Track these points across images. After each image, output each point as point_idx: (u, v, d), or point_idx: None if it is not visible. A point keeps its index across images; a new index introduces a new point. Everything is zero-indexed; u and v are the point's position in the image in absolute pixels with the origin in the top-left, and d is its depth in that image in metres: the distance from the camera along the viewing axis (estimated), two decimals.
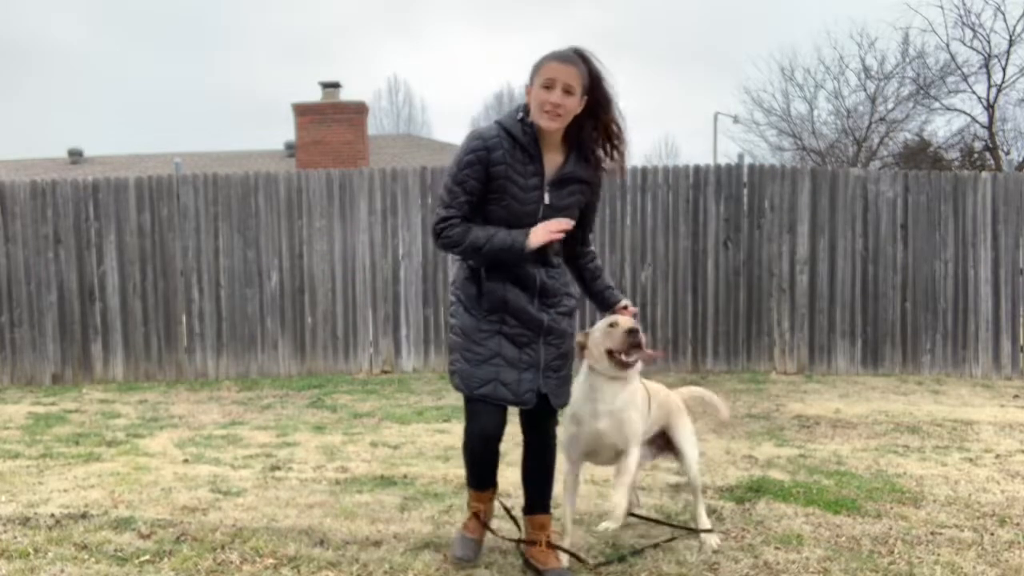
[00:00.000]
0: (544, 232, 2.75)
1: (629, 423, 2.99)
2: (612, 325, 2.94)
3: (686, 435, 3.38)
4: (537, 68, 2.75)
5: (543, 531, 3.01)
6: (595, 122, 2.83)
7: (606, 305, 3.07)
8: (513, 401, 2.83)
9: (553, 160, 2.83)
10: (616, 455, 3.03)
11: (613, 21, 57.25)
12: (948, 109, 22.10)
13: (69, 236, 7.92)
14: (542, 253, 2.84)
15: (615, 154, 2.89)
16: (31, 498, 3.97)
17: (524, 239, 2.74)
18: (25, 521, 3.60)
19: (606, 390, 2.97)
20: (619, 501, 2.91)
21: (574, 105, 2.73)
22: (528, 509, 3.06)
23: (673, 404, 3.40)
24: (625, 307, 3.03)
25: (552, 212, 2.81)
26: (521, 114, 2.80)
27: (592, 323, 3.14)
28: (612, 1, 55.48)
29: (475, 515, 3.06)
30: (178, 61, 55.40)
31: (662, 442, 3.40)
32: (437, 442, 5.18)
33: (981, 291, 8.04)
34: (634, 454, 3.00)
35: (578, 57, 2.76)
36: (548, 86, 2.70)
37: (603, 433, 2.98)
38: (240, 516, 3.66)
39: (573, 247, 3.02)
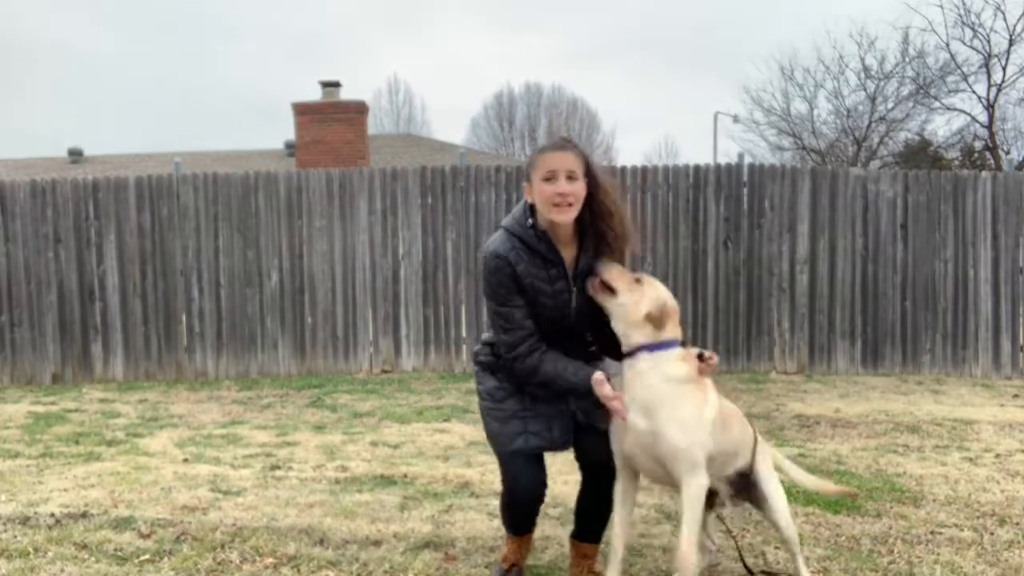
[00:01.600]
0: (605, 398, 2.56)
1: (669, 433, 2.49)
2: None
3: (769, 475, 2.80)
4: (532, 164, 2.65)
5: (586, 560, 2.90)
6: (594, 205, 2.68)
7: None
8: (548, 447, 2.73)
9: (568, 255, 2.71)
10: (669, 474, 2.56)
11: (613, 21, 57.25)
12: (948, 109, 22.15)
13: (69, 236, 7.92)
14: (579, 339, 2.77)
15: (613, 235, 2.70)
16: (31, 497, 3.97)
17: (588, 382, 2.58)
18: (25, 520, 3.60)
19: (641, 373, 2.56)
20: (684, 552, 2.48)
21: (581, 190, 2.61)
22: (576, 535, 2.94)
23: (751, 434, 2.83)
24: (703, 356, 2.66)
25: (582, 308, 2.71)
26: (530, 220, 2.67)
27: None
28: (612, 1, 55.46)
29: (518, 547, 2.92)
30: (178, 61, 55.39)
31: (741, 483, 2.78)
32: (437, 441, 5.18)
33: (981, 291, 8.04)
34: (694, 485, 2.50)
35: (568, 142, 2.69)
36: (550, 178, 2.58)
37: (638, 432, 2.53)
38: (240, 515, 3.66)
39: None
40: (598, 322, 2.73)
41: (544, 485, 2.76)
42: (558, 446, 2.74)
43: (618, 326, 2.63)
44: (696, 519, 2.51)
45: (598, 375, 2.57)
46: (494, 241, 2.71)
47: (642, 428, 2.52)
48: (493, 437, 2.78)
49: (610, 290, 2.61)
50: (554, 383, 2.64)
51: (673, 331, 2.62)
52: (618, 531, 2.66)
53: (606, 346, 2.77)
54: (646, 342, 2.58)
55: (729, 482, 2.75)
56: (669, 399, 2.52)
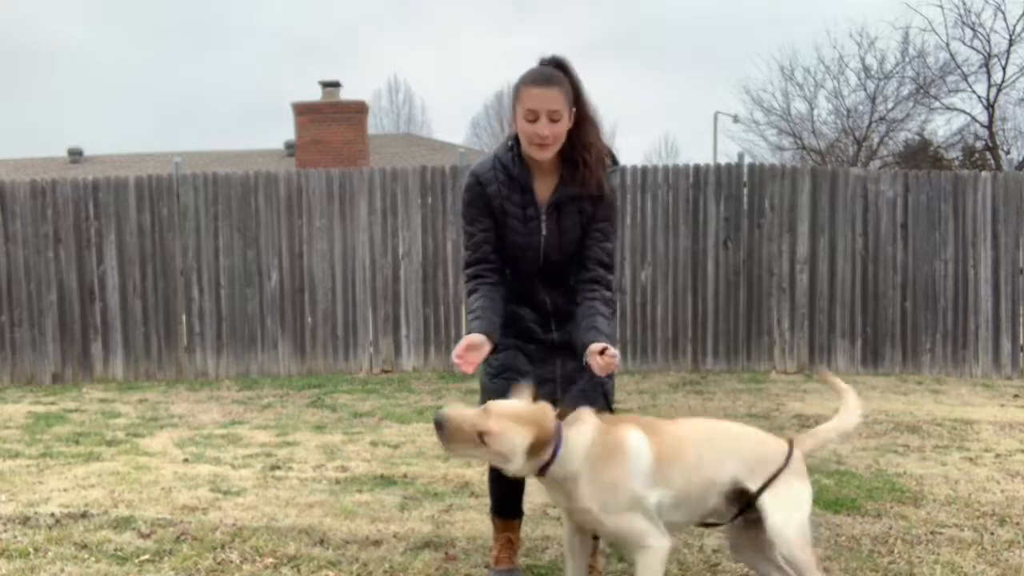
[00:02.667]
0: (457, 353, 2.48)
1: (606, 520, 2.27)
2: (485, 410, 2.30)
3: (777, 497, 2.38)
4: (517, 95, 2.57)
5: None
6: (577, 138, 2.62)
7: (578, 348, 2.54)
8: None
9: (547, 186, 2.67)
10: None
11: (613, 21, 57.28)
12: (948, 108, 22.11)
13: (69, 235, 7.92)
14: (557, 276, 2.73)
15: (590, 173, 2.63)
16: (31, 497, 3.97)
17: (466, 334, 2.54)
18: (25, 520, 3.60)
19: (563, 482, 2.32)
20: None
21: (562, 129, 2.56)
22: None
23: (756, 452, 2.44)
24: (603, 351, 2.39)
25: (554, 241, 2.67)
26: (511, 142, 2.67)
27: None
28: (612, 1, 55.48)
29: (507, 542, 2.91)
30: (178, 61, 55.41)
31: (738, 502, 2.43)
32: (437, 441, 5.17)
33: (981, 291, 8.04)
34: (648, 555, 2.27)
35: (557, 71, 2.57)
36: (532, 119, 2.52)
37: (588, 525, 2.39)
38: (240, 515, 3.66)
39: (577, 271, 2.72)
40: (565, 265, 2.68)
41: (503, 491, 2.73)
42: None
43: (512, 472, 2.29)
44: None
45: (473, 337, 2.48)
46: (477, 161, 2.78)
47: (584, 519, 2.37)
48: (481, 388, 2.79)
49: (480, 438, 2.24)
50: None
51: (544, 426, 2.27)
52: None
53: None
54: (545, 460, 2.29)
55: (727, 503, 2.43)
56: (586, 490, 2.28)
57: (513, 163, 2.65)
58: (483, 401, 2.54)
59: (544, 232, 2.67)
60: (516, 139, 2.66)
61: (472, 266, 2.72)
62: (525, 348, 2.74)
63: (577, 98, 2.61)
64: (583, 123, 2.63)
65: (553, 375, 2.71)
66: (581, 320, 2.62)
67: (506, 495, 2.89)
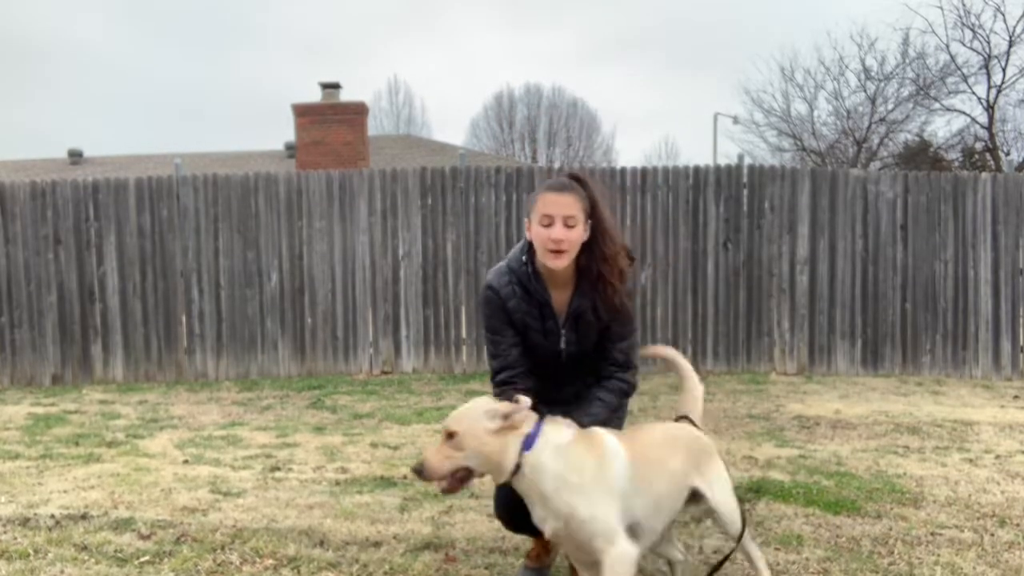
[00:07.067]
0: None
1: (579, 520, 2.26)
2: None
3: (716, 480, 2.60)
4: (533, 203, 2.61)
5: None
6: (595, 248, 2.62)
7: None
8: None
9: (564, 296, 2.68)
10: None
11: (613, 22, 57.28)
12: (948, 110, 22.16)
13: (69, 237, 7.92)
14: (579, 368, 2.75)
15: (609, 288, 2.63)
16: (31, 499, 3.97)
17: None
18: (25, 522, 3.60)
19: (533, 476, 2.34)
20: None
21: (579, 236, 2.57)
22: None
23: (688, 446, 2.59)
24: None
25: (573, 348, 2.70)
26: (524, 257, 2.67)
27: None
28: (612, 2, 55.49)
29: (538, 569, 2.91)
30: (178, 62, 55.40)
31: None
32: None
33: (981, 291, 8.04)
34: (612, 554, 2.24)
35: (575, 182, 2.62)
36: (547, 224, 2.54)
37: (562, 539, 2.37)
38: (240, 517, 3.66)
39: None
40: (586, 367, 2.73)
41: (509, 516, 2.69)
42: None
43: (494, 470, 2.35)
44: None
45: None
46: (493, 272, 2.75)
47: (557, 525, 2.32)
48: None
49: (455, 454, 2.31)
50: None
51: (507, 404, 2.36)
52: None
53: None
54: (515, 459, 2.32)
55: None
56: (563, 475, 2.30)
57: (529, 278, 2.66)
58: None
59: (563, 344, 2.71)
60: (529, 250, 2.67)
61: (501, 372, 2.70)
62: None
63: (594, 210, 2.62)
64: (601, 236, 2.62)
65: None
66: (583, 406, 2.68)
67: (511, 531, 2.86)
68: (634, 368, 2.81)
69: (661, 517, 2.46)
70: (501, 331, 2.70)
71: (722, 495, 2.58)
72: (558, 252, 2.55)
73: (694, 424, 2.74)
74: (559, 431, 2.37)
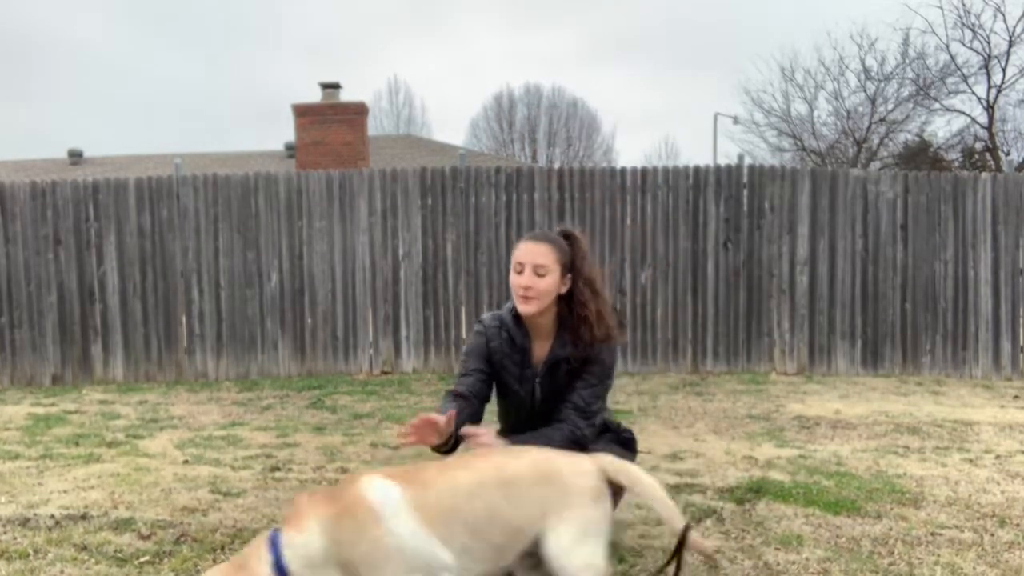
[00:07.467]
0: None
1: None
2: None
3: (565, 534, 2.16)
4: (514, 249, 2.75)
5: None
6: (573, 302, 2.72)
7: None
8: None
9: (544, 347, 2.79)
10: None
11: (613, 22, 57.26)
12: (948, 110, 22.17)
13: (69, 237, 7.92)
14: (550, 413, 2.78)
15: (587, 327, 2.69)
16: (31, 499, 3.97)
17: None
18: (25, 522, 3.60)
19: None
20: None
21: (549, 285, 2.67)
22: None
23: (558, 487, 2.20)
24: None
25: (547, 395, 2.78)
26: (510, 304, 2.81)
27: None
28: (611, 2, 55.48)
29: None
30: (178, 62, 55.39)
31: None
32: None
33: (981, 291, 8.04)
34: None
35: (558, 236, 2.73)
36: (518, 271, 2.69)
37: None
38: (240, 517, 3.66)
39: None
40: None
41: None
42: None
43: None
44: None
45: (436, 416, 2.55)
46: (489, 314, 2.92)
47: None
48: None
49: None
50: None
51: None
52: None
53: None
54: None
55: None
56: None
57: (515, 325, 2.79)
58: None
59: (538, 393, 2.80)
60: None
61: (460, 385, 2.81)
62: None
63: (575, 264, 2.71)
64: (582, 288, 2.71)
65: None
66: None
67: None
68: (591, 418, 2.75)
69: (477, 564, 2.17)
70: (476, 361, 2.82)
71: (558, 543, 2.16)
72: (526, 298, 2.68)
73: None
74: (299, 534, 2.08)
